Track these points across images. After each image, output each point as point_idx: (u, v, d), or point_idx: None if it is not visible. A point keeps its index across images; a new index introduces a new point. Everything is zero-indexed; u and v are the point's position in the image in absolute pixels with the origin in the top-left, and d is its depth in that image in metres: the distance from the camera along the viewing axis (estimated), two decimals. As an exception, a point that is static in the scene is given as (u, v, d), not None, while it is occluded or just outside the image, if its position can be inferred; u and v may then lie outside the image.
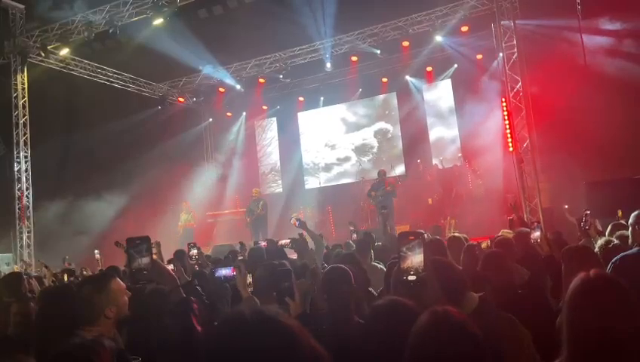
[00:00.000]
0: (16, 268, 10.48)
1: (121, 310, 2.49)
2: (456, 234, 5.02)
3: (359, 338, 2.18)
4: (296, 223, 5.96)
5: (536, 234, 3.82)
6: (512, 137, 9.62)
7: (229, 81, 14.91)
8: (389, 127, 15.30)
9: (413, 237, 2.30)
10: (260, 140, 17.08)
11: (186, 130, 16.06)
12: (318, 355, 1.04)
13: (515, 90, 10.14)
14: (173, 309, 2.93)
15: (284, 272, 4.19)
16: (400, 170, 14.43)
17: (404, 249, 2.32)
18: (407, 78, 14.81)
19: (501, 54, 10.48)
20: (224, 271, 3.31)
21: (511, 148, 9.68)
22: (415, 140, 14.56)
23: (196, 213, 13.86)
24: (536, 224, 4.13)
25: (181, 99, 15.85)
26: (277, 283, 4.08)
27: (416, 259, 2.26)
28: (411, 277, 2.20)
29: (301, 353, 1.02)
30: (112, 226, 12.22)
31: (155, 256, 3.35)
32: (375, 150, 15.42)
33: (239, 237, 11.35)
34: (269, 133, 16.99)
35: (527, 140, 9.88)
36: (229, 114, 16.81)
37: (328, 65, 13.89)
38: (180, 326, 2.77)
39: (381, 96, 15.52)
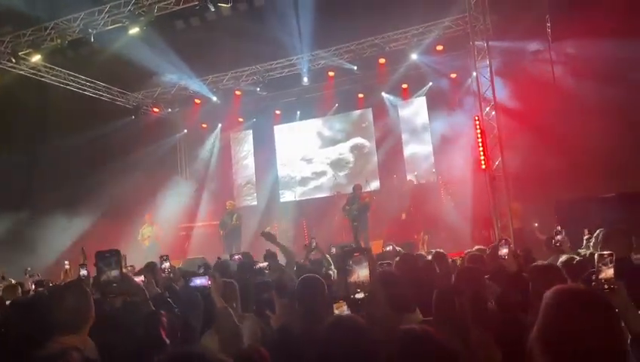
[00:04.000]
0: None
1: (92, 317, 2.48)
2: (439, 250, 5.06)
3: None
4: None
5: (504, 251, 3.88)
6: (484, 155, 9.81)
7: (205, 92, 14.82)
8: (364, 142, 15.43)
9: (358, 254, 2.33)
10: (235, 152, 16.98)
11: (160, 140, 15.85)
12: None
13: (487, 109, 10.38)
14: (142, 321, 2.88)
15: (264, 284, 4.16)
16: (375, 185, 14.52)
17: (351, 263, 2.34)
18: (383, 94, 15.01)
19: (474, 73, 10.73)
20: (199, 281, 3.28)
21: (483, 166, 9.87)
22: (390, 156, 14.72)
23: (166, 226, 13.62)
24: (503, 241, 4.20)
25: (156, 110, 15.66)
26: (256, 295, 4.05)
27: (362, 273, 2.29)
28: (359, 295, 2.22)
29: None
30: (81, 239, 11.90)
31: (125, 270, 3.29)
32: (351, 165, 15.52)
33: (212, 250, 11.21)
34: (245, 146, 16.92)
35: (499, 158, 10.09)
36: (204, 125, 16.69)
37: (305, 79, 13.97)
38: (148, 339, 2.73)
39: (357, 112, 15.67)
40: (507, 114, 10.92)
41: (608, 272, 2.18)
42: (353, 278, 2.31)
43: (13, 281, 7.51)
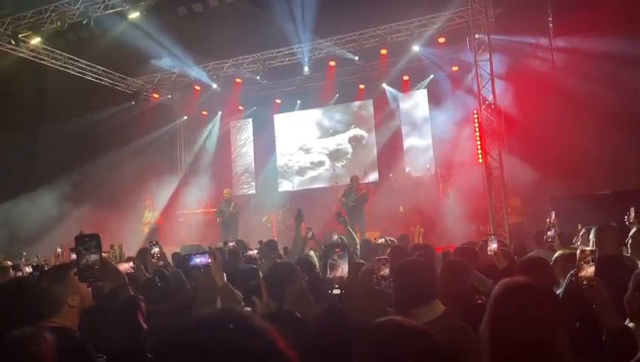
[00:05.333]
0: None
1: (84, 298, 2.47)
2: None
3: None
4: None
5: (493, 246, 3.88)
6: (481, 149, 9.80)
7: (205, 79, 14.77)
8: (363, 133, 15.40)
9: (339, 249, 2.33)
10: (234, 140, 16.96)
11: (160, 127, 15.83)
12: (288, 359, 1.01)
13: (486, 103, 10.34)
14: (120, 307, 2.89)
15: (251, 271, 4.18)
16: (373, 176, 14.53)
17: (335, 258, 2.34)
18: (384, 85, 14.95)
19: (474, 67, 10.68)
20: (199, 259, 3.29)
21: (480, 160, 9.86)
22: (389, 148, 14.69)
23: (164, 212, 13.67)
24: (492, 236, 4.20)
25: (155, 96, 15.63)
26: (243, 281, 4.07)
27: (343, 269, 2.29)
28: (336, 291, 2.21)
29: (273, 355, 0.99)
30: (78, 223, 11.92)
31: (106, 255, 3.30)
32: (349, 156, 15.49)
33: (209, 237, 11.25)
34: (244, 134, 16.88)
35: (497, 153, 10.07)
36: (204, 113, 16.65)
37: (306, 68, 13.91)
38: (126, 325, 2.74)
39: (357, 103, 15.61)
40: (506, 108, 10.88)
41: (589, 270, 2.18)
42: (337, 274, 2.31)
43: (9, 263, 7.55)
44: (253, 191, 16.27)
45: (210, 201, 14.98)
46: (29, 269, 6.68)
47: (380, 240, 7.10)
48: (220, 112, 16.64)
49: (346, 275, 2.23)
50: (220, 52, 13.88)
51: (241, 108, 16.51)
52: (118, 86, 14.73)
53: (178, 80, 15.15)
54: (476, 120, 9.91)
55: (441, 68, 13.74)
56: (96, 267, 2.59)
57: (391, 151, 14.61)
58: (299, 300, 3.07)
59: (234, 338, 0.94)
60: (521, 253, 5.72)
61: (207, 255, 3.49)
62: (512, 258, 4.13)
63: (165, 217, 13.80)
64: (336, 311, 2.21)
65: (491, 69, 10.08)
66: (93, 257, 2.59)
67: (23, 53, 11.93)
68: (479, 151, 9.79)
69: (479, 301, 3.44)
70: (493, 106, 10.22)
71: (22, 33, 11.27)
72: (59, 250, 7.28)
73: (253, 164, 16.58)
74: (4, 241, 11.36)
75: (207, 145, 16.67)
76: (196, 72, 14.52)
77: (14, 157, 12.23)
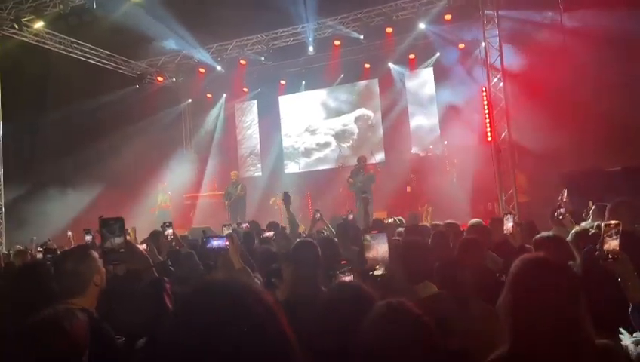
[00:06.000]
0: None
1: (103, 278, 2.50)
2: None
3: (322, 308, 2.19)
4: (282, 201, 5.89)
5: (509, 224, 3.86)
6: (490, 127, 9.72)
7: (210, 61, 14.65)
8: (369, 113, 15.30)
9: (376, 231, 2.31)
10: (239, 123, 16.90)
11: (165, 110, 15.78)
12: (286, 338, 1.03)
13: (495, 80, 10.22)
14: (145, 289, 2.91)
15: (273, 255, 4.20)
16: (380, 157, 14.48)
17: (369, 238, 2.32)
18: (390, 64, 14.79)
19: (483, 44, 10.53)
20: (217, 242, 3.30)
21: (489, 138, 9.79)
22: (395, 127, 14.61)
23: (172, 195, 13.71)
24: (508, 214, 4.17)
25: (160, 79, 15.54)
26: (263, 264, 4.09)
27: (381, 250, 2.27)
28: (377, 272, 2.20)
29: (272, 326, 1.01)
30: (86, 207, 12.00)
31: (128, 238, 3.31)
32: (355, 136, 15.42)
33: (217, 220, 11.28)
34: (249, 116, 16.82)
35: (506, 130, 9.99)
36: (208, 95, 16.57)
37: (311, 48, 13.76)
38: (152, 306, 2.77)
39: (363, 82, 15.48)
40: (515, 85, 10.76)
41: (612, 243, 2.17)
42: (371, 254, 2.29)
43: (20, 247, 7.62)
44: (260, 174, 16.27)
45: (217, 184, 15.00)
46: (38, 251, 6.76)
47: (389, 220, 7.13)
48: (224, 94, 16.55)
49: (387, 256, 2.21)
50: (224, 33, 13.73)
51: (245, 89, 16.41)
52: (121, 69, 14.65)
53: (182, 62, 15.04)
54: (485, 97, 9.80)
55: (447, 45, 13.55)
56: (122, 250, 2.61)
57: (397, 131, 14.53)
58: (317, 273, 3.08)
59: (237, 303, 0.99)
60: (532, 232, 5.70)
61: (224, 238, 3.49)
62: (524, 236, 4.10)
63: (172, 201, 13.83)
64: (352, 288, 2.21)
65: (500, 45, 9.94)
66: (118, 240, 2.60)
67: (26, 37, 11.85)
68: (488, 129, 9.71)
69: (501, 278, 3.45)
70: (501, 83, 10.10)
71: (25, 17, 11.17)
72: (70, 233, 7.36)
73: (258, 146, 16.55)
74: (11, 227, 11.46)
75: (213, 128, 16.63)
76: (200, 54, 14.39)
77: (18, 142, 12.22)
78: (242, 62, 14.75)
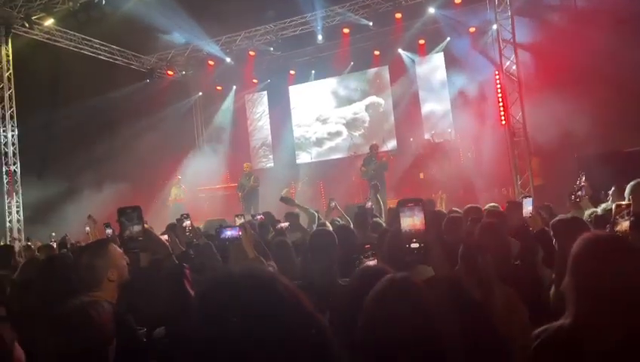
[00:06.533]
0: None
1: (121, 273, 2.51)
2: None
3: (339, 299, 2.18)
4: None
5: (529, 208, 3.81)
6: (504, 110, 9.60)
7: (219, 53, 14.64)
8: (380, 101, 15.20)
9: (412, 204, 2.29)
10: (250, 114, 16.90)
11: (175, 103, 15.83)
12: (315, 320, 1.01)
13: (508, 63, 10.08)
14: (166, 276, 2.94)
15: (283, 243, 4.21)
16: (392, 144, 14.40)
17: (405, 211, 2.30)
18: (400, 51, 14.65)
19: (495, 26, 10.37)
20: (230, 232, 3.33)
21: (503, 122, 9.68)
22: (407, 114, 14.50)
23: (186, 188, 13.79)
24: (527, 197, 4.12)
25: (170, 73, 15.57)
26: (275, 254, 4.09)
27: (417, 223, 2.24)
28: (414, 245, 2.19)
29: (297, 312, 0.99)
30: (100, 201, 12.12)
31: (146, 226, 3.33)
32: (367, 124, 15.35)
33: (231, 212, 11.31)
34: (260, 107, 16.81)
35: (520, 113, 9.87)
36: (219, 87, 16.58)
37: (320, 37, 13.68)
38: (174, 292, 2.79)
39: (373, 70, 15.37)
40: (529, 67, 10.60)
41: (624, 224, 2.14)
42: (407, 228, 2.28)
43: (39, 243, 7.74)
44: (272, 165, 16.29)
45: (230, 176, 15.05)
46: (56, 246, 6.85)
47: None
48: (234, 86, 16.55)
49: (424, 228, 2.20)
50: (233, 25, 13.70)
51: (255, 81, 16.39)
52: (132, 65, 14.70)
53: (191, 55, 15.05)
54: (498, 81, 9.68)
55: (458, 30, 13.38)
56: (140, 238, 2.63)
57: (409, 118, 14.42)
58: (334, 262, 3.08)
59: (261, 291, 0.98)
60: (550, 216, 5.63)
61: (237, 228, 3.51)
62: (552, 216, 4.04)
63: (187, 194, 13.91)
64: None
65: (512, 27, 9.78)
66: (136, 228, 2.63)
67: (37, 35, 11.92)
68: (502, 113, 9.60)
69: (516, 263, 3.41)
70: (514, 66, 9.96)
71: (35, 15, 11.23)
72: (88, 228, 7.43)
73: (270, 137, 16.55)
74: (28, 223, 11.63)
75: (224, 120, 16.65)
76: (209, 47, 14.38)
77: (33, 140, 12.36)
78: (251, 53, 14.73)
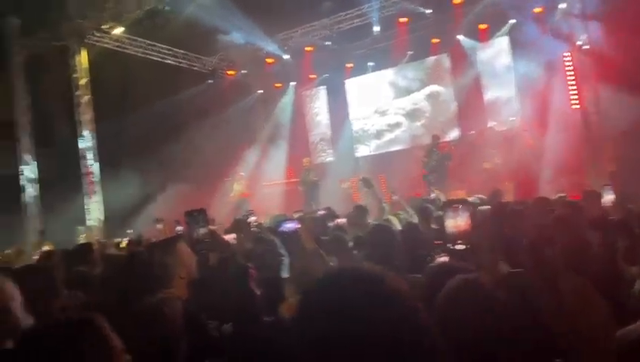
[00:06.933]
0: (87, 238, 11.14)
1: (191, 271, 2.60)
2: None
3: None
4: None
5: (609, 197, 3.60)
6: (577, 92, 9.06)
7: (276, 51, 14.86)
8: (441, 90, 14.81)
9: (458, 205, 2.24)
10: (308, 109, 17.02)
11: (237, 102, 16.25)
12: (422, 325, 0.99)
13: (579, 42, 9.48)
14: (231, 276, 3.03)
15: (344, 240, 4.22)
16: (454, 134, 14.02)
17: (450, 213, 2.26)
18: (459, 37, 14.18)
19: (563, 5, 9.78)
20: (288, 225, 3.38)
21: (576, 105, 9.14)
22: (469, 102, 14.04)
23: (248, 184, 14.16)
24: (606, 186, 3.90)
25: (230, 72, 16.00)
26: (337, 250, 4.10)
27: (462, 224, 2.19)
28: (459, 246, 2.15)
29: (405, 310, 0.98)
30: (169, 199, 12.73)
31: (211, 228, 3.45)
32: (427, 114, 15.01)
33: (293, 207, 11.49)
34: (318, 102, 16.88)
35: (592, 97, 9.28)
36: (277, 84, 16.84)
37: (376, 28, 13.52)
38: (239, 292, 2.87)
39: (432, 58, 14.99)
40: (601, 46, 9.91)
41: None
42: (452, 229, 2.25)
43: (118, 241, 8.22)
44: (332, 159, 16.34)
45: (291, 171, 15.26)
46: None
47: (470, 200, 6.88)
48: (293, 82, 16.73)
49: (469, 229, 2.16)
50: (289, 21, 13.86)
51: (313, 76, 16.48)
52: (194, 67, 15.24)
53: (251, 54, 15.37)
54: (568, 61, 9.14)
55: (522, 11, 12.72)
56: (207, 240, 2.74)
57: (471, 106, 13.95)
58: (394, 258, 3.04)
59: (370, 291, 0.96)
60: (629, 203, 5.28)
61: (296, 221, 3.55)
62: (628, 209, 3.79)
63: (250, 190, 14.29)
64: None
65: (584, 5, 9.18)
66: (202, 230, 2.74)
67: (107, 43, 12.62)
68: (574, 97, 9.06)
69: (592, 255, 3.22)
70: (585, 47, 9.36)
71: (105, 25, 11.90)
72: (159, 226, 7.82)
73: (329, 132, 16.60)
74: (104, 222, 12.42)
75: (284, 117, 16.88)
76: (267, 45, 14.64)
77: (106, 143, 13.14)
78: (308, 48, 14.82)
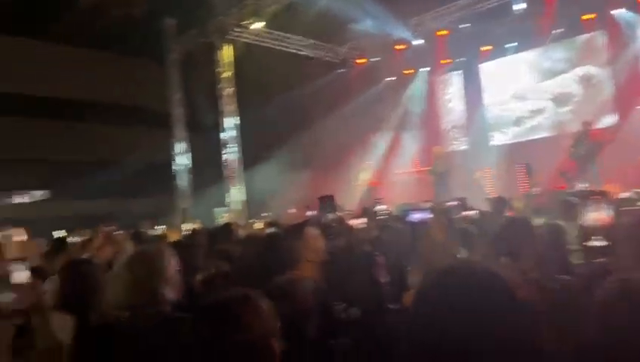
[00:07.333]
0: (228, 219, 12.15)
1: (318, 255, 2.68)
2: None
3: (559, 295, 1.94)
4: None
5: None
6: None
7: (408, 36, 14.57)
8: (594, 71, 13.25)
9: (597, 196, 1.95)
10: (441, 95, 16.43)
11: (367, 90, 16.29)
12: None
13: None
14: (357, 261, 3.05)
15: (470, 234, 4.01)
16: (608, 120, 12.51)
17: (587, 206, 1.99)
18: (616, 11, 12.52)
19: None
20: (418, 215, 3.33)
21: None
22: (627, 85, 12.37)
23: (376, 172, 14.22)
24: None
25: (360, 60, 16.09)
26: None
27: (600, 218, 1.91)
28: (598, 243, 1.87)
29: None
30: (301, 185, 13.32)
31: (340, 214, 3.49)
32: (576, 99, 13.55)
33: (422, 197, 11.25)
34: (451, 88, 16.21)
35: None
36: (407, 71, 16.51)
37: (517, 7, 12.52)
38: (365, 278, 2.88)
39: (582, 37, 13.47)
40: None
41: None
42: (588, 223, 2.00)
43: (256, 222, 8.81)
44: (465, 147, 15.62)
45: (421, 160, 14.94)
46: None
47: (626, 195, 6.10)
48: (424, 68, 16.28)
49: (611, 225, 1.90)
50: (420, 6, 13.48)
51: (446, 60, 15.83)
52: (326, 57, 15.63)
53: (380, 41, 15.27)
54: None
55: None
56: (335, 225, 2.78)
57: (629, 89, 12.28)
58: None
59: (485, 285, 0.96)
60: None
61: (426, 211, 3.44)
62: None
63: (377, 178, 14.33)
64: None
65: None
66: (331, 216, 2.80)
67: (247, 38, 13.50)
68: None
69: None
70: None
71: (245, 20, 12.72)
72: (292, 211, 8.20)
73: (462, 118, 15.89)
74: (245, 205, 13.44)
75: (414, 104, 16.51)
76: (398, 30, 14.42)
77: (246, 132, 14.14)
78: (441, 32, 14.27)
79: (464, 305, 0.93)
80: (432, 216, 3.34)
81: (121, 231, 5.96)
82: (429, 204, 5.18)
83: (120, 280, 2.25)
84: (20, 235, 4.52)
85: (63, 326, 2.12)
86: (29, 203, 17.45)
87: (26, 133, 15.53)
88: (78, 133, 16.68)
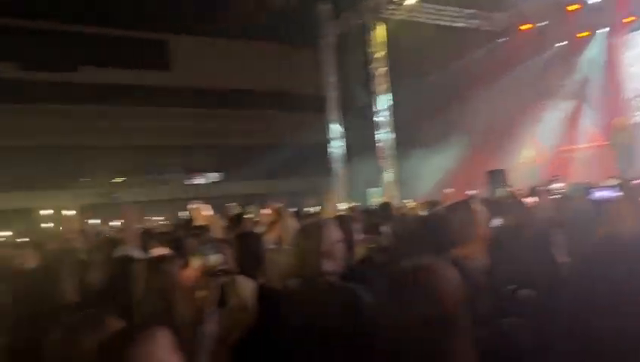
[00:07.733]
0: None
1: (485, 231, 2.60)
2: None
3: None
4: None
5: None
6: None
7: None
8: None
9: None
10: (622, 60, 14.29)
11: (531, 58, 14.94)
12: None
13: None
14: (535, 241, 2.83)
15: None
16: None
17: None
18: None
19: None
20: (603, 193, 2.99)
21: None
22: None
23: (544, 148, 13.07)
24: None
25: (524, 27, 14.78)
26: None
27: None
28: None
29: None
30: (458, 164, 12.84)
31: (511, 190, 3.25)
32: None
33: (601, 174, 10.01)
34: (634, 50, 14.00)
35: None
36: (582, 34, 14.66)
37: None
38: (538, 257, 2.67)
39: None
40: None
41: None
42: None
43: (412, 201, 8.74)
44: (653, 117, 13.45)
45: (600, 133, 13.27)
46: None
47: None
48: (602, 29, 14.29)
49: None
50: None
51: (629, 19, 13.68)
52: (485, 27, 14.74)
53: (549, 3, 13.82)
54: None
55: None
56: (507, 201, 2.59)
57: None
58: None
59: None
60: None
61: (613, 188, 3.07)
62: None
63: (545, 155, 13.18)
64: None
65: None
66: (501, 191, 2.61)
67: (402, 14, 13.31)
68: None
69: None
70: None
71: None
72: (448, 190, 7.91)
73: (649, 85, 13.67)
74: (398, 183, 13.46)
75: (589, 70, 14.65)
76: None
77: (399, 112, 14.05)
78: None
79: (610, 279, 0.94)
80: (620, 193, 2.93)
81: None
82: (616, 181, 4.49)
83: (287, 252, 2.40)
84: (207, 210, 5.22)
85: (246, 288, 2.39)
86: (205, 184, 19.80)
87: (198, 122, 17.66)
88: (243, 119, 18.41)
